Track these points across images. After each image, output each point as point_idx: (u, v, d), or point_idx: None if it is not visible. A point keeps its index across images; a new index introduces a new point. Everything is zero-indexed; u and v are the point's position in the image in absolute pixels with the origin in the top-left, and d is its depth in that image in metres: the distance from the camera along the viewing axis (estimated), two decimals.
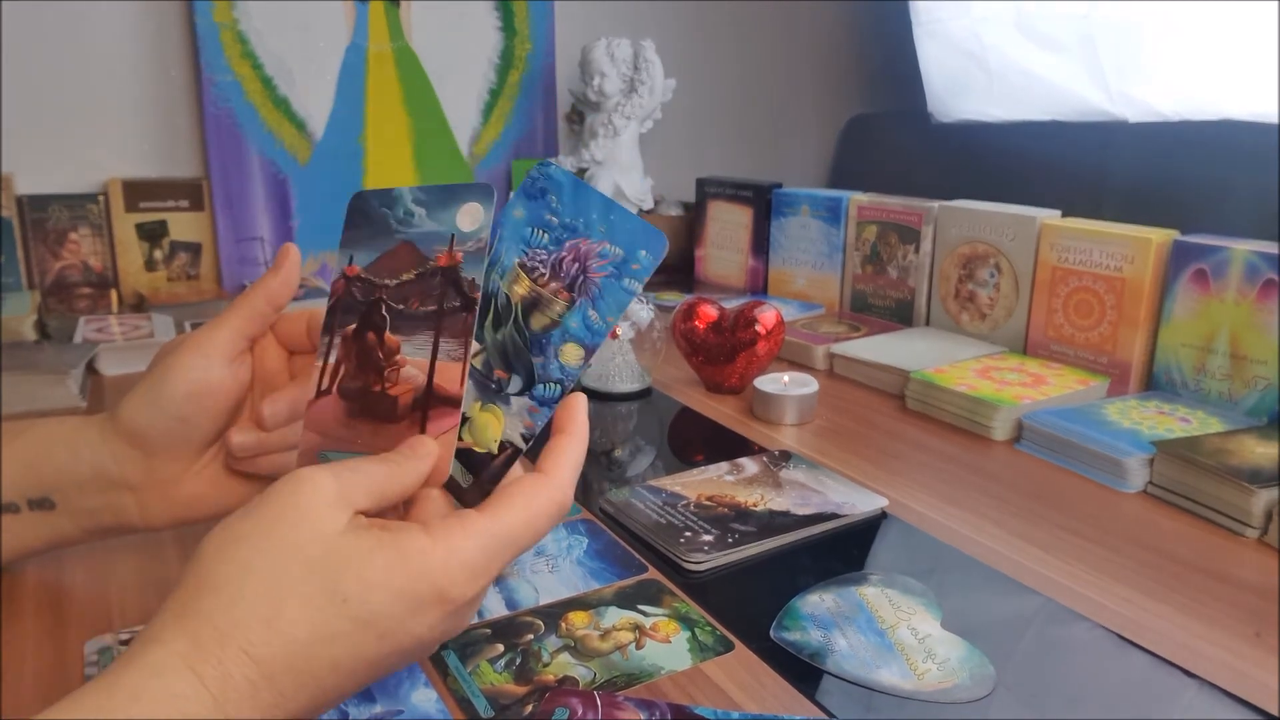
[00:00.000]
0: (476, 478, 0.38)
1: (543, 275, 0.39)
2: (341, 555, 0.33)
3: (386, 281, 0.39)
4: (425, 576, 0.34)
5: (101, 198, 1.14)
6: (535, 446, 0.39)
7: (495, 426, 0.38)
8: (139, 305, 1.12)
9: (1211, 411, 0.76)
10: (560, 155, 1.35)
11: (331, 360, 0.40)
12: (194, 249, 1.19)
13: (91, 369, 0.87)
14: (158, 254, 1.18)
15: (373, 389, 0.39)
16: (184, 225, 1.18)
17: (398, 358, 0.39)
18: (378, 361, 0.39)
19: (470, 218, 0.38)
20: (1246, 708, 0.43)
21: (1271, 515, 0.58)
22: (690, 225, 1.40)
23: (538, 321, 0.38)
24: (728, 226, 1.31)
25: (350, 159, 1.25)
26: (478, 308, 0.38)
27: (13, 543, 0.47)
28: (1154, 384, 0.83)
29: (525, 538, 0.37)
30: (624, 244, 0.38)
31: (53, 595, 0.50)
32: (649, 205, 1.31)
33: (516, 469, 0.39)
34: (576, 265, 0.38)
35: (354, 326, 0.40)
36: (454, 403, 0.37)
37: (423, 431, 0.38)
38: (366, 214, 0.40)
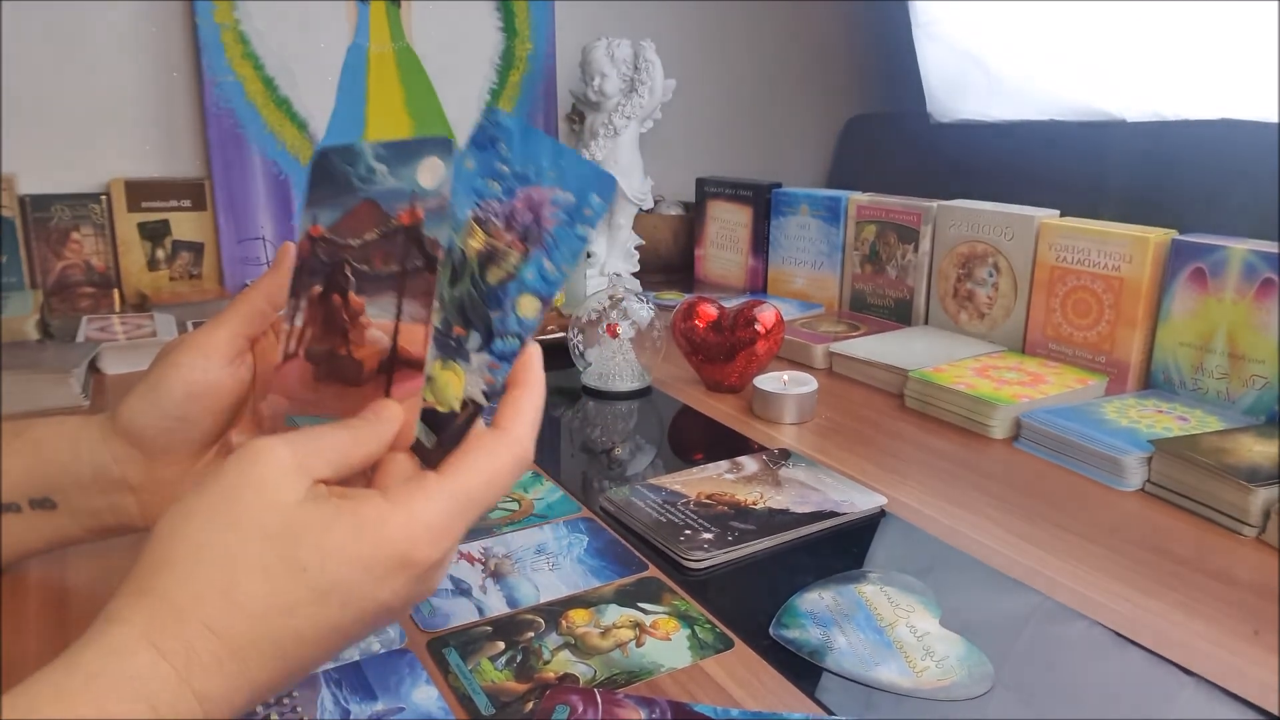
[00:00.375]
0: (439, 437, 0.38)
1: (496, 227, 0.38)
2: (299, 525, 0.32)
3: (350, 242, 0.39)
4: (386, 543, 0.33)
5: (104, 197, 1.14)
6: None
7: (456, 384, 0.38)
8: (141, 305, 1.13)
9: (1209, 410, 0.76)
10: None
11: (298, 324, 0.40)
12: (196, 248, 1.20)
13: (94, 368, 0.87)
14: (160, 253, 1.18)
15: (338, 352, 0.39)
16: (186, 225, 1.18)
17: (362, 319, 0.38)
18: (343, 324, 0.39)
19: (430, 173, 0.37)
20: (1245, 706, 0.43)
21: (1269, 514, 0.59)
22: (690, 225, 1.40)
23: (494, 275, 0.38)
24: (727, 226, 1.31)
25: None
26: (439, 267, 0.37)
27: (14, 542, 0.47)
28: (1152, 383, 0.83)
29: (487, 495, 0.36)
30: (575, 189, 0.37)
31: (54, 594, 0.50)
32: (649, 205, 1.31)
33: (479, 425, 0.38)
34: (530, 215, 0.38)
35: (319, 289, 0.39)
36: (418, 365, 0.37)
37: (387, 394, 0.37)
38: (329, 173, 0.39)
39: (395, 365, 0.37)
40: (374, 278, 0.38)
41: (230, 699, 0.31)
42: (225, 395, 0.46)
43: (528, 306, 0.37)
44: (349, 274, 0.38)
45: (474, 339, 0.37)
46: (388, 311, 0.37)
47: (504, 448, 0.37)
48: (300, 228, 0.40)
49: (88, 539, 0.48)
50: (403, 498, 0.34)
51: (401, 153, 0.38)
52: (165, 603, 0.31)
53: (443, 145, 0.37)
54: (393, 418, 0.37)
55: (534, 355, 0.38)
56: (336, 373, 0.39)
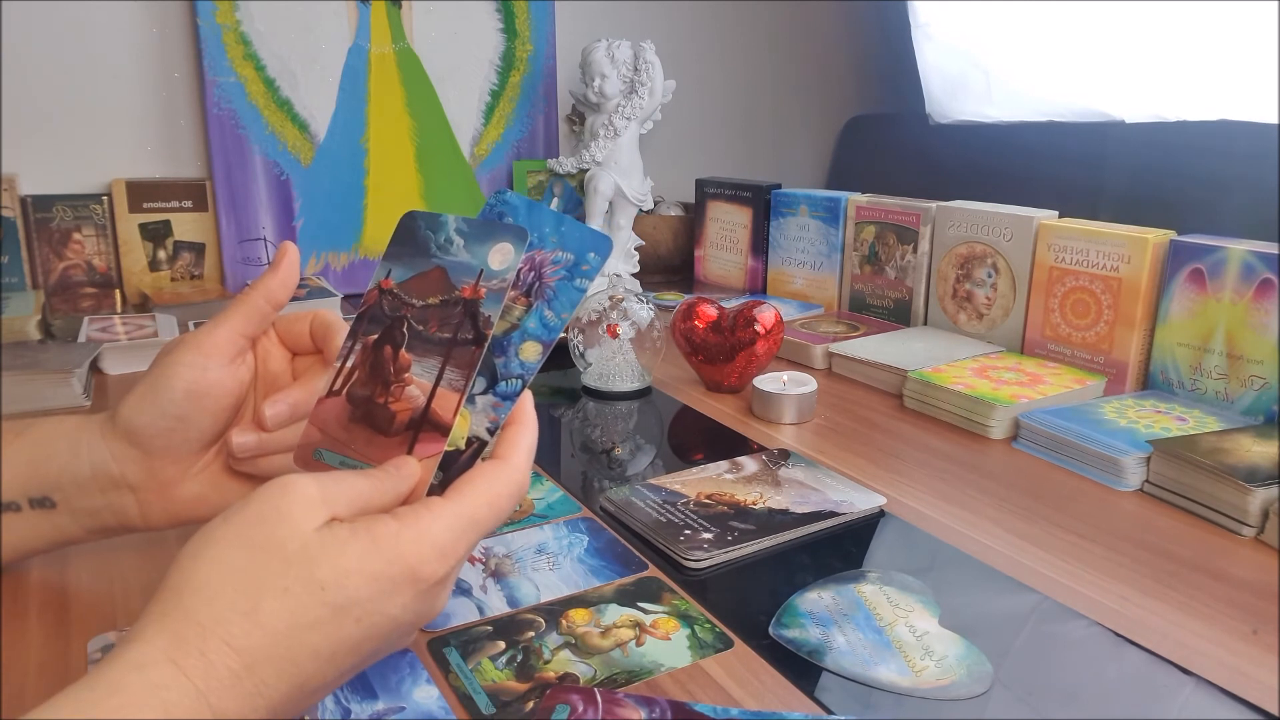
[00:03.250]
0: (446, 473, 0.40)
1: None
2: (317, 547, 0.34)
3: (414, 301, 0.41)
4: (398, 559, 0.35)
5: (105, 198, 1.14)
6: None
7: (463, 426, 0.40)
8: (143, 305, 1.13)
9: (1208, 410, 0.76)
10: (561, 156, 1.35)
11: (349, 364, 0.42)
12: (198, 249, 1.20)
13: (95, 369, 0.87)
14: (161, 254, 1.18)
15: (377, 400, 0.41)
16: (187, 225, 1.19)
17: (406, 375, 0.41)
18: (387, 375, 0.41)
19: (501, 256, 0.40)
20: (1244, 705, 0.43)
21: (1268, 514, 0.59)
22: (690, 225, 1.40)
23: (499, 327, 0.41)
24: (727, 227, 1.31)
25: (352, 160, 1.26)
26: (487, 345, 0.40)
27: (14, 541, 0.47)
28: (1150, 383, 0.83)
29: (488, 518, 0.38)
30: (574, 249, 0.42)
31: (56, 593, 0.50)
32: (649, 205, 1.32)
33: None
34: (532, 274, 0.41)
35: (375, 337, 0.42)
36: (444, 430, 0.39)
37: (410, 451, 0.39)
38: (412, 233, 0.42)
39: (424, 425, 0.40)
40: (426, 339, 0.41)
41: (247, 715, 0.32)
42: (225, 395, 0.46)
43: (529, 351, 0.40)
44: (405, 330, 0.41)
45: (480, 384, 0.40)
46: (430, 373, 0.40)
47: (504, 475, 0.39)
48: (375, 278, 0.43)
49: (87, 539, 0.49)
50: (412, 519, 0.36)
51: (481, 231, 0.41)
52: (187, 622, 0.32)
53: (518, 234, 0.41)
54: (411, 475, 0.39)
55: (527, 397, 0.42)
56: (370, 418, 0.41)
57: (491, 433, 0.40)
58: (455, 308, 0.40)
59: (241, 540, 0.34)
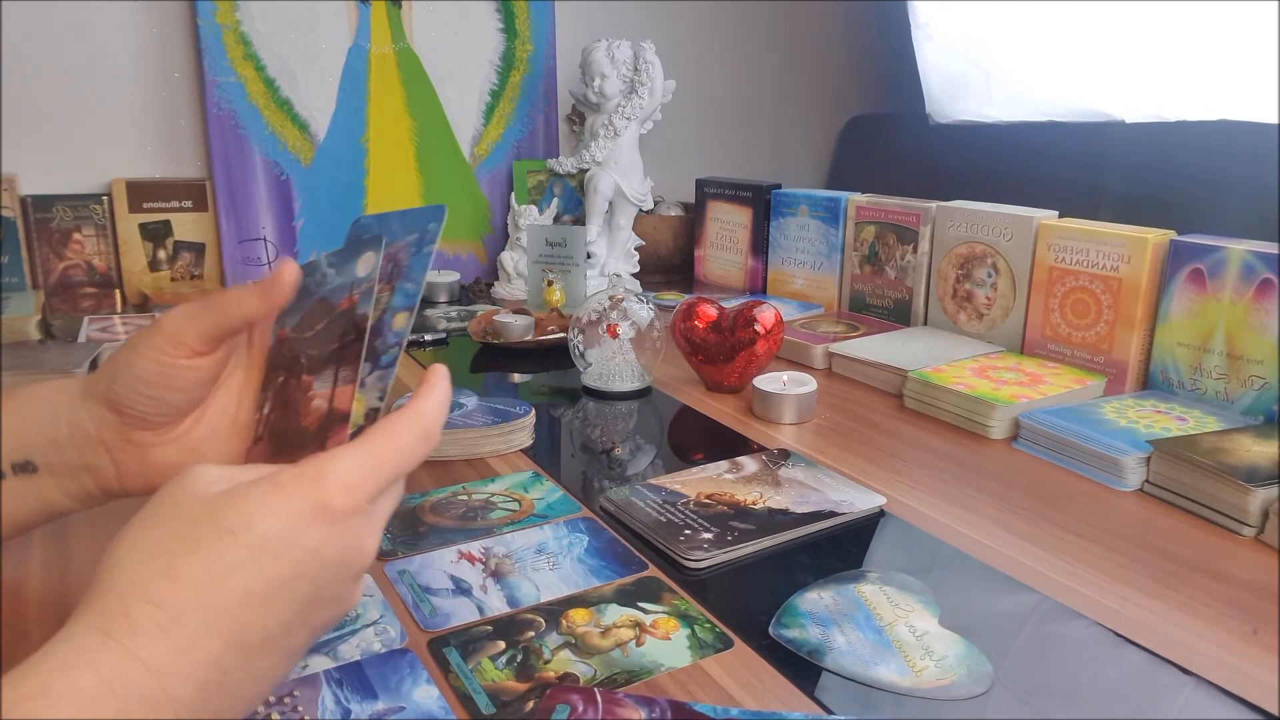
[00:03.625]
0: None
1: None
2: (220, 502, 0.35)
3: (305, 335, 0.46)
4: (301, 494, 0.35)
5: (105, 198, 1.14)
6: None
7: (360, 406, 0.43)
8: (143, 305, 1.13)
9: (1208, 410, 0.76)
10: (561, 156, 1.35)
11: (266, 411, 0.46)
12: (197, 249, 1.20)
13: (95, 368, 0.87)
14: (161, 254, 1.18)
15: (292, 426, 0.44)
16: (187, 225, 1.19)
17: (310, 393, 0.44)
18: (296, 401, 0.45)
19: (365, 264, 0.45)
20: (1244, 705, 0.43)
21: (1268, 514, 0.59)
22: (690, 225, 1.40)
23: (373, 316, 0.44)
24: (727, 227, 1.31)
25: (352, 160, 1.26)
26: (367, 335, 0.43)
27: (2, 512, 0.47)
28: (1150, 383, 0.83)
29: (396, 459, 0.38)
30: (417, 227, 0.45)
31: (57, 591, 0.51)
32: (649, 206, 1.32)
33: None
34: (389, 263, 0.45)
35: (282, 379, 0.46)
36: (346, 417, 0.42)
37: (323, 449, 0.41)
38: (299, 286, 0.47)
39: (330, 422, 0.43)
40: (321, 358, 0.44)
41: (188, 671, 0.32)
42: (194, 379, 0.46)
43: (399, 321, 0.44)
44: (303, 360, 0.45)
45: (366, 367, 0.43)
46: (328, 382, 0.44)
47: (407, 419, 0.39)
48: (272, 333, 0.47)
49: (71, 506, 0.48)
50: (312, 461, 0.37)
51: (345, 255, 0.46)
52: (109, 595, 0.33)
53: (374, 241, 0.46)
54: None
55: (436, 367, 0.43)
56: (287, 441, 0.44)
57: (381, 398, 0.43)
58: (338, 321, 0.45)
59: (150, 518, 0.35)
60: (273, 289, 0.45)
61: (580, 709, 0.40)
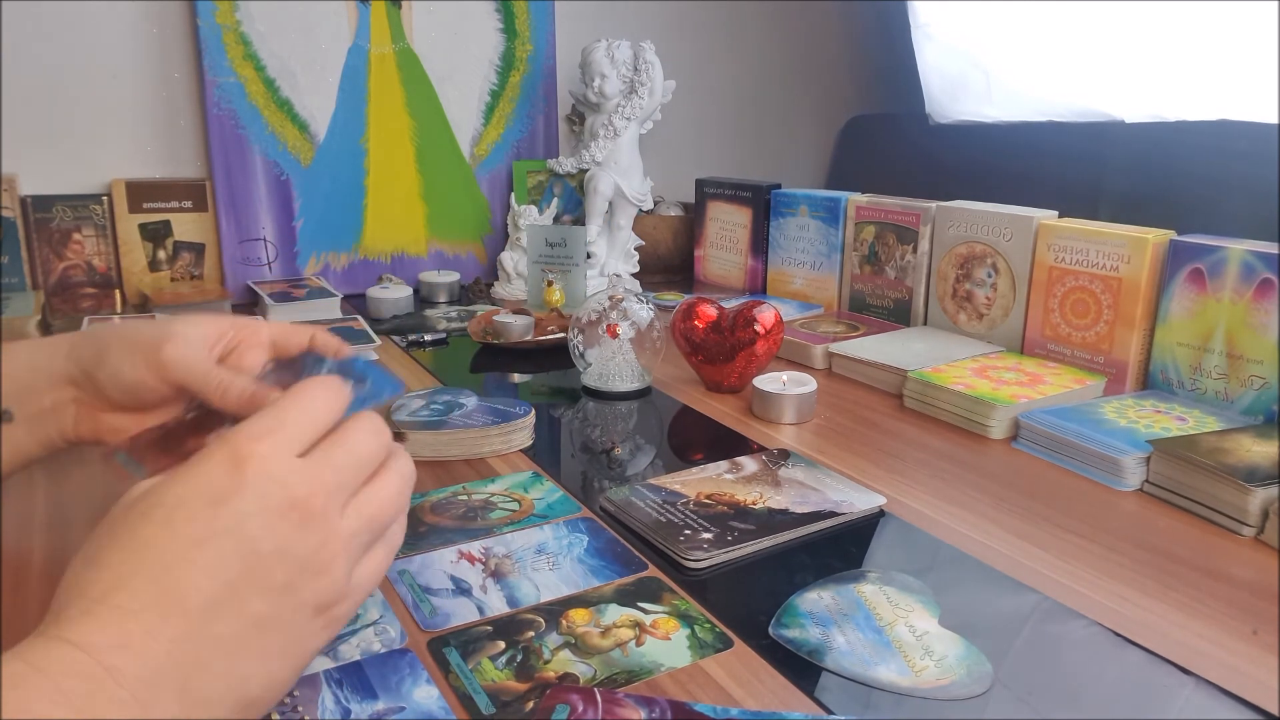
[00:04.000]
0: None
1: None
2: (139, 495, 0.36)
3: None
4: (209, 457, 0.36)
5: (105, 198, 1.14)
6: None
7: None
8: (143, 305, 1.13)
9: (1208, 410, 0.76)
10: (561, 156, 1.35)
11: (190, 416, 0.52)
12: (197, 249, 1.20)
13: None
14: (161, 254, 1.18)
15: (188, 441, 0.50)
16: (187, 226, 1.19)
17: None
18: (212, 425, 0.50)
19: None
20: (1244, 705, 0.43)
21: (1268, 514, 0.59)
22: (690, 226, 1.40)
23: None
24: (727, 227, 1.31)
25: (352, 160, 1.26)
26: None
27: None
28: (1150, 383, 0.83)
29: (295, 406, 0.39)
30: (384, 390, 0.47)
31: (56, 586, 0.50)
32: (649, 206, 1.32)
33: None
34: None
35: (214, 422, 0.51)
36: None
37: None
38: (272, 370, 0.53)
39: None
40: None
41: (124, 642, 0.31)
42: (174, 397, 0.50)
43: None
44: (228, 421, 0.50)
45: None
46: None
47: (309, 380, 0.40)
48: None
49: (39, 453, 0.52)
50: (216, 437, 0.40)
51: (341, 369, 0.49)
52: (51, 609, 0.33)
53: (360, 385, 0.48)
54: None
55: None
56: (182, 452, 0.49)
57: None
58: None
59: (90, 539, 0.36)
60: (249, 407, 0.47)
61: (580, 709, 0.40)
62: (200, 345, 0.50)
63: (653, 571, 0.54)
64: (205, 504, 0.34)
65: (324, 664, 0.44)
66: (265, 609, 0.35)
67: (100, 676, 0.30)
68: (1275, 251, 0.74)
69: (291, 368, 0.52)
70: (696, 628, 0.48)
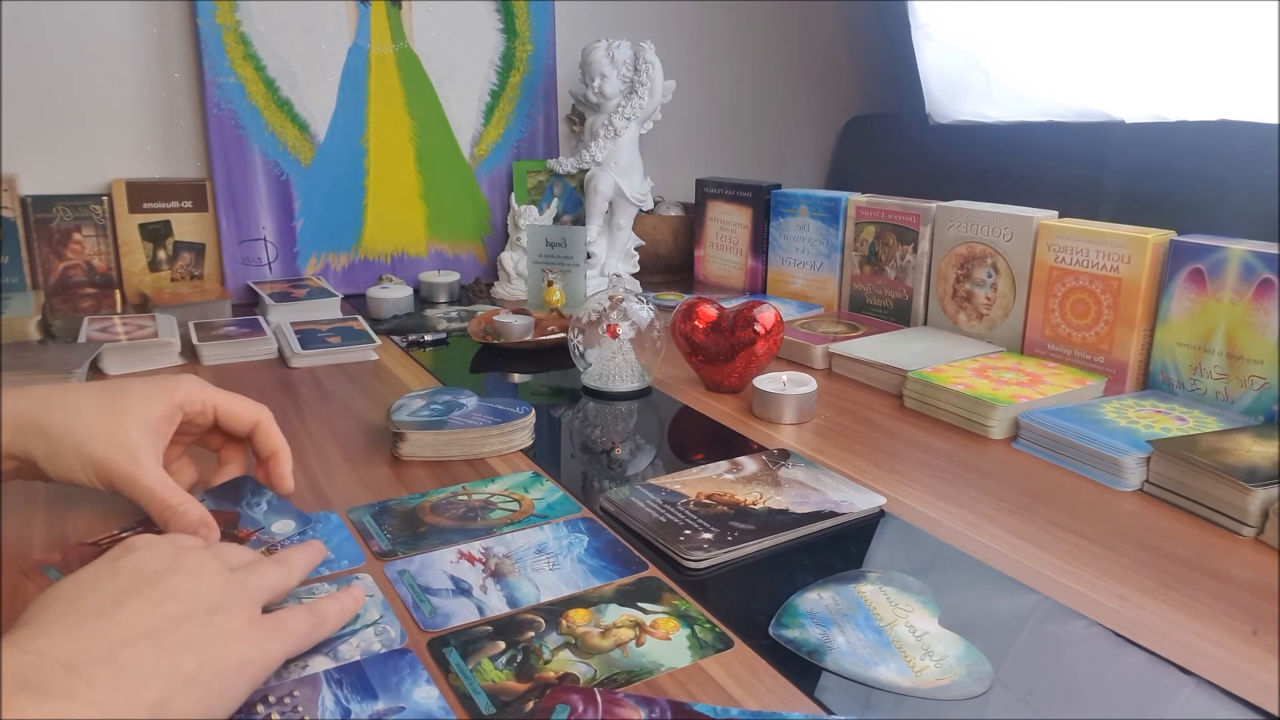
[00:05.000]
0: None
1: None
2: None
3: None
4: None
5: (105, 198, 1.14)
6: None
7: None
8: (143, 305, 1.13)
9: (1208, 410, 0.76)
10: (561, 156, 1.36)
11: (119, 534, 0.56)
12: (198, 249, 1.20)
13: (95, 369, 0.87)
14: (161, 254, 1.18)
15: None
16: (187, 226, 1.19)
17: None
18: None
19: (284, 528, 0.57)
20: (1244, 705, 0.43)
21: (1268, 514, 0.59)
22: (690, 226, 1.40)
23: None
24: (727, 227, 1.31)
25: (352, 160, 1.26)
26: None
27: None
28: (1150, 383, 0.83)
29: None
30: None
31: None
32: (649, 206, 1.32)
33: None
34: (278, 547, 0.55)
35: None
36: None
37: None
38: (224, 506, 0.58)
39: None
40: None
41: (37, 630, 0.36)
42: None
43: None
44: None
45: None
46: None
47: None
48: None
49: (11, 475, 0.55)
50: None
51: (284, 512, 0.58)
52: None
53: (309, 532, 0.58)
54: None
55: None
56: None
57: None
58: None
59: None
60: (189, 532, 0.51)
61: (580, 709, 0.40)
62: (149, 458, 0.52)
63: (653, 572, 0.54)
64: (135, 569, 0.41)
65: (324, 664, 0.44)
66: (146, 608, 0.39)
67: (16, 654, 0.34)
68: (1275, 251, 0.74)
69: (230, 495, 0.58)
70: (696, 628, 0.48)
